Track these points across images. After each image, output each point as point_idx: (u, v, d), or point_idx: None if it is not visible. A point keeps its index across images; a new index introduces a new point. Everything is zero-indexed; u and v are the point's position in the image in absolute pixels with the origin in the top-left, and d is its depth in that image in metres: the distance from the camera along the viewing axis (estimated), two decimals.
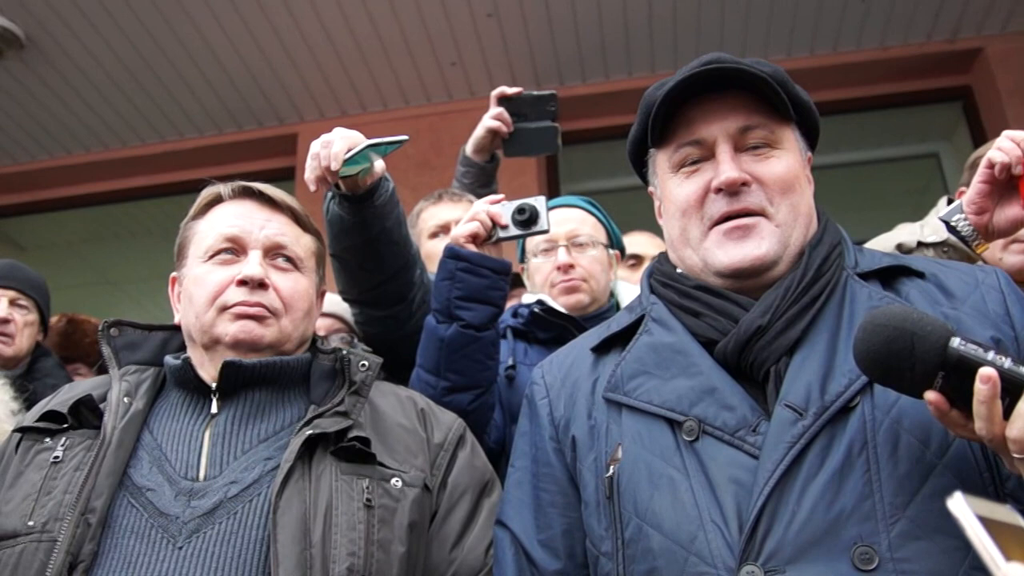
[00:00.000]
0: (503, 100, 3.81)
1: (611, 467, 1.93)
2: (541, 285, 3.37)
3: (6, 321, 4.16)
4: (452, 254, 2.72)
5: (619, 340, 2.15)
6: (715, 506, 1.75)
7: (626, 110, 6.95)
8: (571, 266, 3.30)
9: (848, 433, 1.72)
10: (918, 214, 3.53)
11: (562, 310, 3.22)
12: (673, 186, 2.11)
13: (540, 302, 3.23)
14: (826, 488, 1.67)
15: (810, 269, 1.96)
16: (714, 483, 1.77)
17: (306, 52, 7.06)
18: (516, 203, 2.73)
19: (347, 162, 2.62)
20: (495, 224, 2.74)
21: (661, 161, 2.17)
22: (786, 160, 2.05)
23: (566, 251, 3.32)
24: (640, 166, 2.32)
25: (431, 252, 3.78)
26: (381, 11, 6.67)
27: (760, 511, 1.68)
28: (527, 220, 2.71)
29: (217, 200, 2.46)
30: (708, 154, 2.05)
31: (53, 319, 4.83)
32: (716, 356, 1.94)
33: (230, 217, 2.40)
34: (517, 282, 3.74)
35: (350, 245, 2.87)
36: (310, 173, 2.72)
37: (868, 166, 7.82)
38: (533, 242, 3.41)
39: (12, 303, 4.23)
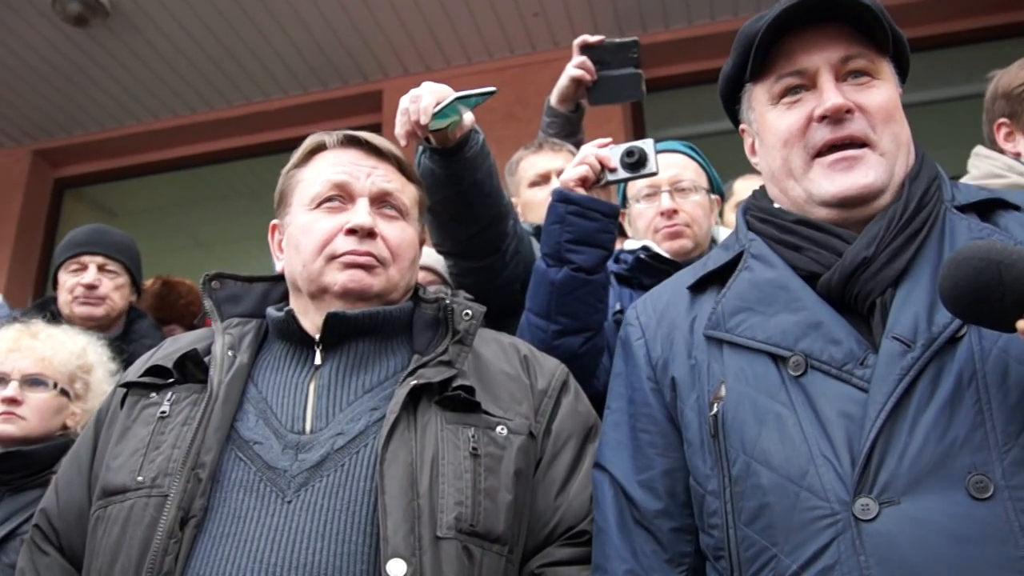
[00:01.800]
0: (586, 48, 3.76)
1: (715, 405, 1.92)
2: (644, 230, 3.33)
3: (93, 286, 4.24)
4: (562, 197, 2.70)
5: (716, 278, 2.13)
6: (825, 440, 1.73)
7: (710, 55, 7.00)
8: (675, 211, 3.27)
9: (957, 364, 1.70)
10: None
11: (667, 256, 3.19)
12: (773, 117, 2.08)
13: (646, 248, 3.22)
14: (937, 418, 1.65)
15: (911, 201, 1.93)
16: (823, 418, 1.76)
17: (388, 8, 7.04)
18: (625, 146, 2.71)
19: (436, 115, 2.59)
20: (604, 167, 2.71)
21: (759, 94, 2.14)
22: (886, 90, 2.03)
23: (669, 196, 3.29)
24: (731, 104, 2.29)
25: (530, 201, 3.82)
26: None
27: (873, 444, 1.67)
28: (636, 163, 2.69)
29: (320, 148, 2.44)
30: (809, 84, 2.03)
31: (148, 282, 4.94)
32: (819, 290, 1.92)
33: (336, 164, 2.38)
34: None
35: (442, 198, 2.84)
36: (400, 128, 2.69)
37: (954, 103, 7.65)
38: (635, 187, 3.37)
39: (100, 268, 4.33)
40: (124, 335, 4.32)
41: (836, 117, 1.96)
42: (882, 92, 2.01)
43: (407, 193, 2.45)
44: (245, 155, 8.38)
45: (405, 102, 2.67)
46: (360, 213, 2.29)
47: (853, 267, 1.87)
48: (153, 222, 9.11)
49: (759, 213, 2.15)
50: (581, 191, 2.70)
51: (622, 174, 2.71)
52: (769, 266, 2.02)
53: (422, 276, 3.50)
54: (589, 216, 2.67)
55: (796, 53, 2.04)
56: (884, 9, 2.03)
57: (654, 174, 2.75)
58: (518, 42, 7.52)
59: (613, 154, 2.71)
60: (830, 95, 1.97)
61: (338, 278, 2.26)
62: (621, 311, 3.01)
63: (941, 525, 1.58)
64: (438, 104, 2.59)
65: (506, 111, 6.87)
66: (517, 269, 3.10)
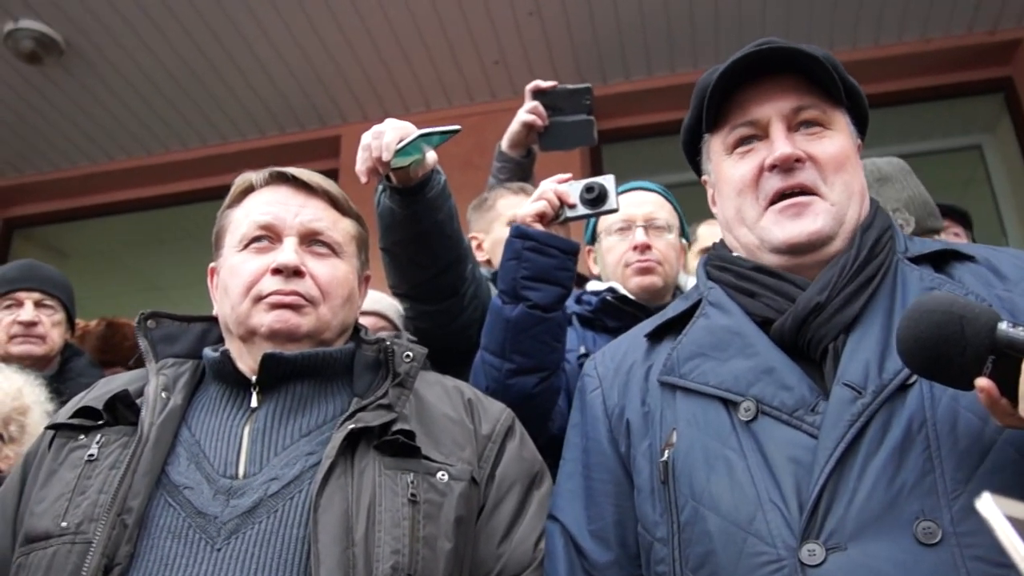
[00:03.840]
0: (538, 94, 3.78)
1: (666, 452, 1.91)
2: (614, 265, 3.33)
3: (34, 323, 4.19)
4: (519, 233, 2.67)
5: (674, 327, 2.13)
6: (774, 486, 1.73)
7: (669, 106, 7.05)
8: (648, 247, 3.27)
9: (907, 410, 1.71)
10: (963, 206, 3.42)
11: (633, 298, 3.18)
12: (728, 167, 2.12)
13: (611, 289, 3.20)
14: (886, 465, 1.66)
15: (863, 249, 1.96)
16: (772, 463, 1.76)
17: (348, 53, 7.03)
18: (584, 181, 2.68)
19: (399, 153, 2.55)
20: (563, 203, 2.68)
21: (715, 145, 2.17)
22: (839, 140, 2.07)
23: (644, 231, 3.29)
24: (693, 155, 2.31)
25: (503, 239, 3.74)
26: (423, 11, 6.64)
27: (821, 489, 1.67)
28: (596, 199, 2.66)
29: (251, 188, 2.39)
30: (762, 134, 2.07)
31: (92, 323, 4.91)
32: (773, 336, 1.93)
33: (264, 204, 2.33)
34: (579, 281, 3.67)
35: (401, 239, 2.80)
36: (361, 164, 2.65)
37: (912, 159, 7.78)
38: (607, 222, 3.37)
39: (37, 304, 4.29)
40: (59, 374, 4.24)
41: (786, 166, 2.00)
42: (834, 142, 2.05)
43: (340, 229, 2.38)
44: (201, 198, 8.25)
45: (367, 138, 2.64)
46: (285, 252, 2.24)
47: (806, 313, 1.89)
48: (106, 264, 9.04)
49: (718, 262, 2.17)
50: (539, 227, 2.66)
51: (581, 210, 2.68)
52: (725, 312, 2.03)
53: (372, 322, 3.45)
54: (546, 252, 2.63)
55: (749, 104, 2.08)
56: (836, 61, 2.08)
57: (614, 211, 2.72)
58: (478, 90, 7.53)
59: (572, 190, 2.68)
60: (780, 144, 2.01)
61: (264, 319, 2.20)
62: (587, 354, 2.98)
63: (887, 571, 1.58)
64: (401, 141, 2.55)
65: (465, 159, 6.82)
66: (475, 314, 3.04)
